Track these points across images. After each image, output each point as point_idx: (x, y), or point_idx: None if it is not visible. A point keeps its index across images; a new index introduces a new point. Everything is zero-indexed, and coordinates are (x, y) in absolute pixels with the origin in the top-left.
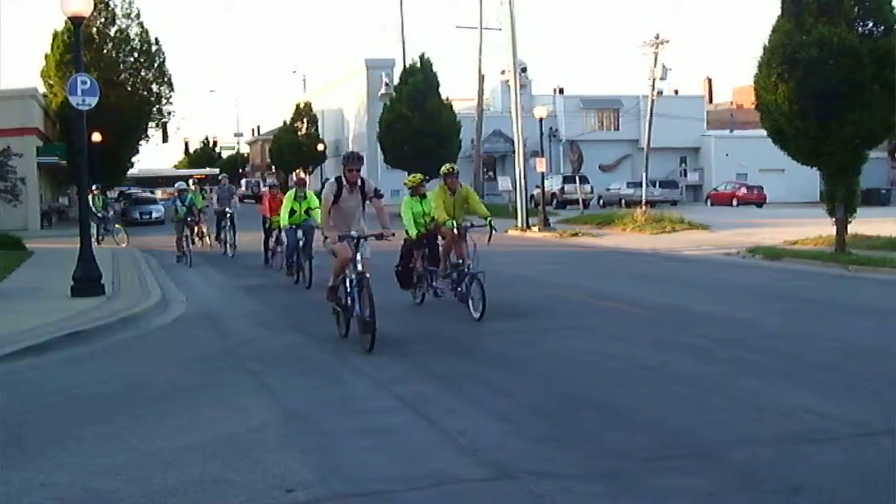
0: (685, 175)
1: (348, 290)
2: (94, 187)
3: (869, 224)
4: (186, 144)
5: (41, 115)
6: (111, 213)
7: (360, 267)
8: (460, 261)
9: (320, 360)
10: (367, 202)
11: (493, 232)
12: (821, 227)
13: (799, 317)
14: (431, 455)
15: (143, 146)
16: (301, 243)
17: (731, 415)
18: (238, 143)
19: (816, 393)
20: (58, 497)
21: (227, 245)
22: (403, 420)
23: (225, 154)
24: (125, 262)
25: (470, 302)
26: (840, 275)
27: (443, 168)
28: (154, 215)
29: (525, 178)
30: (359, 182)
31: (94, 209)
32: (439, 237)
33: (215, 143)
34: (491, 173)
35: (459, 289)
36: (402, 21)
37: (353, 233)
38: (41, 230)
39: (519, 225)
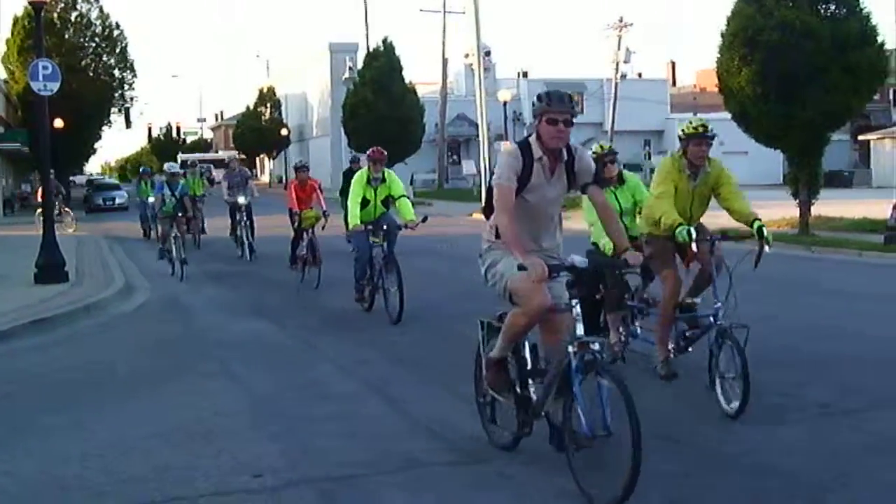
0: (650, 158)
1: (539, 367)
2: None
3: (832, 206)
4: (149, 130)
5: (2, 101)
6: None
7: (580, 330)
8: (696, 300)
9: (285, 346)
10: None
11: (767, 248)
12: (784, 209)
13: (763, 298)
14: (401, 440)
15: (106, 132)
16: (381, 253)
17: (698, 397)
18: (201, 128)
19: (781, 374)
20: (23, 484)
21: (244, 245)
22: (370, 405)
23: (189, 139)
24: (88, 248)
25: (718, 383)
26: (803, 256)
27: (685, 126)
28: (117, 201)
29: (490, 161)
30: (565, 153)
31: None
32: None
33: (179, 129)
34: (455, 157)
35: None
36: (366, 4)
37: (572, 259)
38: (4, 217)
39: None
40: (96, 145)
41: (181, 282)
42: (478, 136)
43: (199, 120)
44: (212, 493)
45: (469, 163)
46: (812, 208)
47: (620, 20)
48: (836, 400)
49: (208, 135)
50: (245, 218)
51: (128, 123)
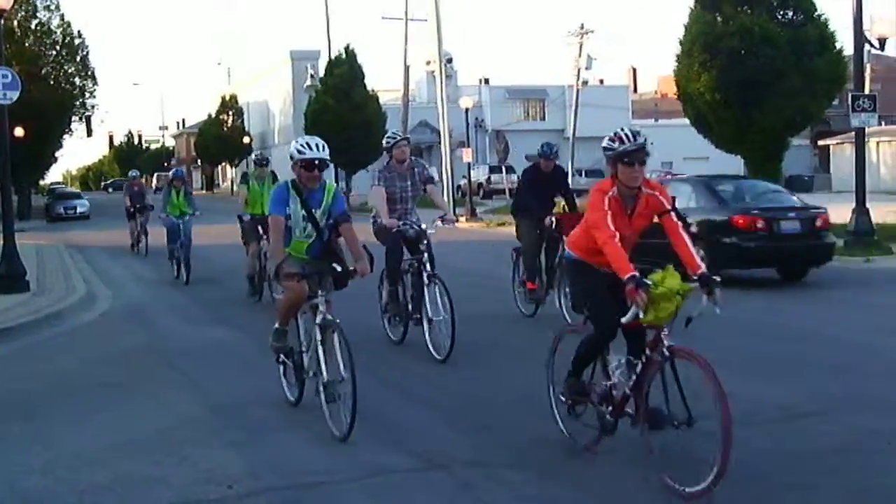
0: None
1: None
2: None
3: None
4: (111, 138)
5: None
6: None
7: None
8: None
9: (247, 355)
10: None
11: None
12: None
13: (726, 303)
14: (361, 446)
15: (67, 140)
16: None
17: (660, 402)
18: (163, 136)
19: (744, 378)
20: None
21: (424, 321)
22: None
23: (151, 147)
24: (50, 257)
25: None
26: None
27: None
28: (79, 210)
29: (451, 168)
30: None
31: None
32: None
33: (140, 137)
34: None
35: None
36: (328, 12)
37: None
38: None
39: None
40: (57, 154)
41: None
42: (440, 142)
43: (160, 128)
44: (174, 503)
45: (431, 169)
46: None
47: (582, 27)
48: (798, 402)
49: (170, 143)
50: (426, 260)
51: (89, 132)
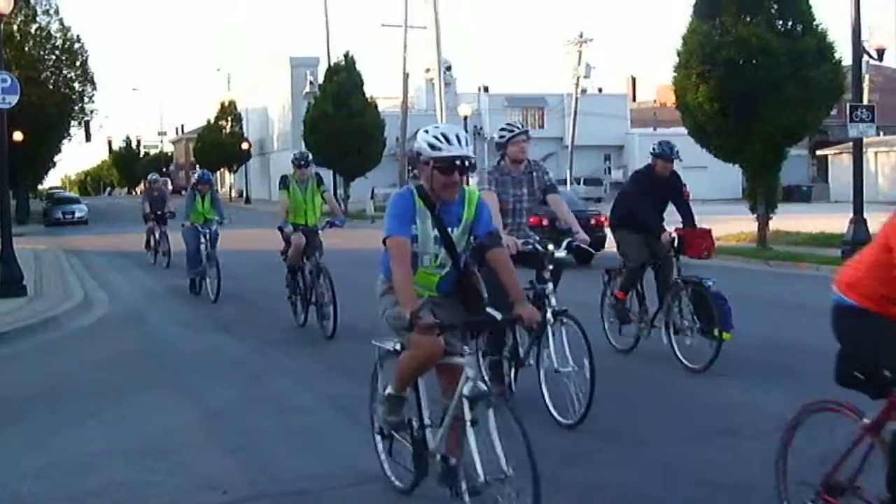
0: (609, 172)
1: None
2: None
3: (790, 220)
4: (110, 143)
5: None
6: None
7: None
8: None
9: (245, 361)
10: None
11: None
12: (743, 224)
13: None
14: (356, 454)
15: (66, 145)
16: None
17: (662, 411)
18: (162, 141)
19: (741, 388)
20: None
21: (541, 372)
22: (327, 419)
23: (150, 153)
24: (47, 262)
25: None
26: (761, 270)
27: None
28: (77, 215)
29: None
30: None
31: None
32: None
33: (139, 142)
34: (416, 172)
35: None
36: (327, 19)
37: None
38: None
39: None
40: (56, 158)
41: None
42: None
43: (159, 133)
44: None
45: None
46: (770, 223)
47: (581, 36)
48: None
49: (169, 148)
50: (548, 300)
51: (88, 137)
